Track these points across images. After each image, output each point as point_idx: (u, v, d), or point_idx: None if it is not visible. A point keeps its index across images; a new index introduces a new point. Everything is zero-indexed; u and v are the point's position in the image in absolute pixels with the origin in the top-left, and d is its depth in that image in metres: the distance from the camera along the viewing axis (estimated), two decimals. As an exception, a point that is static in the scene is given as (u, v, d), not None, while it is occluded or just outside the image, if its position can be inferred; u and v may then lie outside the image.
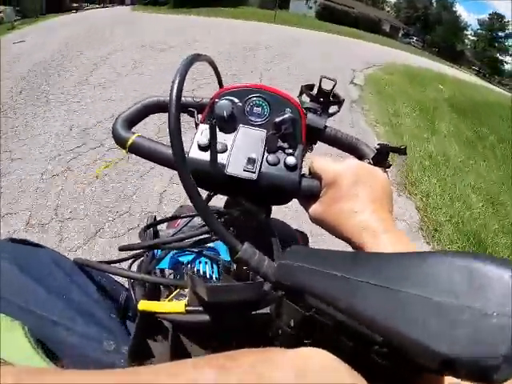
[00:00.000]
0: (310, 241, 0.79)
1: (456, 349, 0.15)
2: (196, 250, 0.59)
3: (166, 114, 0.35)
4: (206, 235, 0.51)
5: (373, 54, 11.33)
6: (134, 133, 0.47)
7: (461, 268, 0.17)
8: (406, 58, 14.80)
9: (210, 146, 0.42)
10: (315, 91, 0.53)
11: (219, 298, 0.34)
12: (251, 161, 0.43)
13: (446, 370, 0.16)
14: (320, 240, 1.72)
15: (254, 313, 0.35)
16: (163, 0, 18.53)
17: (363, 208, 0.40)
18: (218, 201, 0.55)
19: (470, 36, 63.88)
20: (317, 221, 0.45)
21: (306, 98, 0.54)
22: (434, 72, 11.22)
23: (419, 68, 10.63)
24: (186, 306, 0.38)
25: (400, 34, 49.39)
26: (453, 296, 0.16)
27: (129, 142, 0.46)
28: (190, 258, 0.59)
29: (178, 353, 0.40)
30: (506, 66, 69.20)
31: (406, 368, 0.21)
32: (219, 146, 0.43)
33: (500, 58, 64.68)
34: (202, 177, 0.42)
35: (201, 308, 0.37)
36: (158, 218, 0.61)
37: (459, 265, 0.17)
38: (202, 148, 0.44)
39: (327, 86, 0.51)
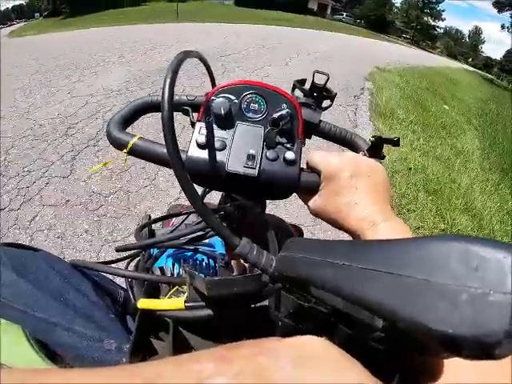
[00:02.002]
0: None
1: (458, 328, 0.16)
2: (192, 247, 0.61)
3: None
4: (202, 232, 0.53)
5: (325, 54, 8.88)
6: (133, 135, 0.48)
7: (458, 250, 0.17)
8: (362, 48, 13.02)
9: (209, 144, 0.44)
10: (307, 86, 0.55)
11: (219, 291, 0.35)
12: (251, 157, 0.44)
13: (450, 350, 0.17)
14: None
15: (253, 306, 0.37)
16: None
17: (362, 199, 0.43)
18: (211, 197, 0.58)
19: (398, 5, 63.66)
20: (317, 213, 0.48)
21: (298, 93, 0.55)
22: (417, 72, 9.75)
23: (398, 70, 8.91)
24: (185, 301, 0.40)
25: (329, 11, 46.66)
26: (451, 277, 0.17)
27: (129, 146, 0.47)
28: (187, 255, 0.61)
29: (180, 348, 0.42)
30: (440, 31, 70.59)
31: (404, 352, 0.23)
32: (218, 144, 0.45)
33: (433, 23, 65.29)
34: (202, 175, 0.44)
35: (200, 303, 0.39)
36: (153, 218, 0.63)
37: (456, 248, 0.18)
38: (200, 146, 0.45)
39: (320, 80, 0.53)
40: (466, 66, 31.18)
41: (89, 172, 2.63)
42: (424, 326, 0.17)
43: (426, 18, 64.68)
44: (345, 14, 51.27)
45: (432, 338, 0.17)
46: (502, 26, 42.83)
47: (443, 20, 68.22)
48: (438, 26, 69.92)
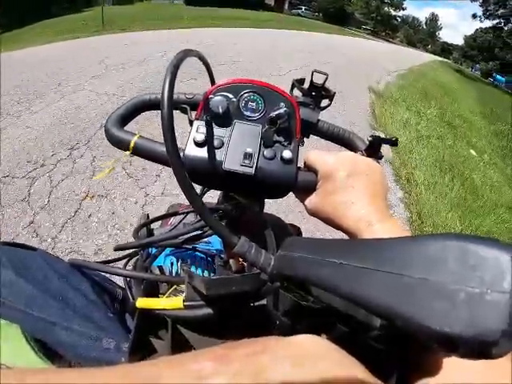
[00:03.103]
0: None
1: (455, 327, 0.16)
2: (190, 246, 0.61)
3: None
4: (200, 231, 0.54)
5: (299, 74, 5.24)
6: (133, 134, 0.49)
7: (455, 249, 0.18)
8: (336, 50, 11.47)
9: (207, 143, 0.45)
10: (306, 85, 0.55)
11: (217, 290, 0.36)
12: (248, 156, 0.45)
13: (447, 349, 0.17)
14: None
15: (251, 305, 0.38)
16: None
17: (359, 199, 0.43)
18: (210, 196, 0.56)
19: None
20: (313, 213, 0.48)
21: (297, 93, 0.56)
22: (412, 83, 8.69)
23: (395, 89, 7.30)
24: (184, 301, 0.40)
25: (286, 6, 44.74)
26: (449, 276, 0.17)
27: (131, 146, 0.47)
28: (185, 253, 0.61)
29: (179, 347, 0.42)
30: (398, 20, 71.10)
31: (402, 351, 0.24)
32: (215, 142, 0.45)
33: (394, 13, 65.41)
34: (199, 173, 0.45)
35: (199, 302, 0.40)
36: (151, 217, 0.63)
37: (454, 246, 0.18)
38: (198, 144, 0.45)
39: (319, 79, 0.53)
40: (433, 57, 32.41)
41: (96, 178, 2.46)
42: (421, 325, 0.17)
43: (386, 9, 64.49)
44: (303, 7, 49.87)
45: (429, 337, 0.17)
46: (474, 16, 42.77)
47: (404, 9, 68.60)
48: (398, 16, 70.21)
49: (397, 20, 70.81)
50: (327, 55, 9.81)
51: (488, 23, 40.55)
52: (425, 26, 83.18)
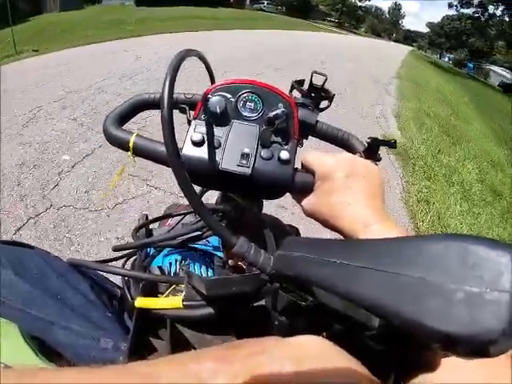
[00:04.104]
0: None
1: (454, 327, 0.16)
2: (189, 246, 0.61)
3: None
4: (199, 232, 0.54)
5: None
6: (130, 132, 0.48)
7: (455, 249, 0.18)
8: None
9: (204, 142, 0.45)
10: (306, 86, 0.55)
11: (217, 291, 0.36)
12: (245, 156, 0.44)
13: (446, 348, 0.17)
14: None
15: (250, 305, 0.38)
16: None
17: (356, 200, 0.42)
18: (209, 197, 0.58)
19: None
20: (310, 214, 0.48)
21: (296, 94, 0.55)
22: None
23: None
24: (183, 300, 0.41)
25: (248, 1, 42.72)
26: (448, 276, 0.17)
27: (131, 146, 0.47)
28: (184, 254, 0.60)
29: (179, 346, 0.42)
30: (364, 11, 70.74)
31: (401, 350, 0.24)
32: (213, 142, 0.45)
33: (360, 4, 64.77)
34: (197, 173, 0.45)
35: (198, 302, 0.40)
36: (150, 218, 0.63)
37: (453, 246, 0.18)
38: (195, 144, 0.45)
39: (318, 81, 0.53)
40: (404, 48, 32.38)
41: (110, 187, 2.45)
42: (420, 325, 0.17)
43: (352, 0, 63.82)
44: (265, 2, 48.17)
45: (428, 337, 0.17)
46: (450, 5, 42.28)
47: (369, 0, 68.19)
48: (364, 7, 69.70)
49: (362, 10, 70.49)
50: (308, 60, 8.55)
51: (453, 11, 40.45)
52: (388, 16, 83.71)
